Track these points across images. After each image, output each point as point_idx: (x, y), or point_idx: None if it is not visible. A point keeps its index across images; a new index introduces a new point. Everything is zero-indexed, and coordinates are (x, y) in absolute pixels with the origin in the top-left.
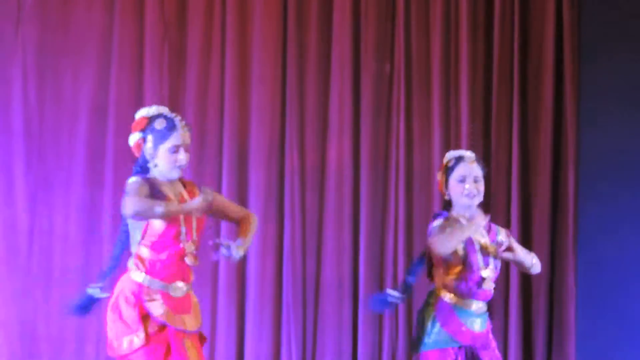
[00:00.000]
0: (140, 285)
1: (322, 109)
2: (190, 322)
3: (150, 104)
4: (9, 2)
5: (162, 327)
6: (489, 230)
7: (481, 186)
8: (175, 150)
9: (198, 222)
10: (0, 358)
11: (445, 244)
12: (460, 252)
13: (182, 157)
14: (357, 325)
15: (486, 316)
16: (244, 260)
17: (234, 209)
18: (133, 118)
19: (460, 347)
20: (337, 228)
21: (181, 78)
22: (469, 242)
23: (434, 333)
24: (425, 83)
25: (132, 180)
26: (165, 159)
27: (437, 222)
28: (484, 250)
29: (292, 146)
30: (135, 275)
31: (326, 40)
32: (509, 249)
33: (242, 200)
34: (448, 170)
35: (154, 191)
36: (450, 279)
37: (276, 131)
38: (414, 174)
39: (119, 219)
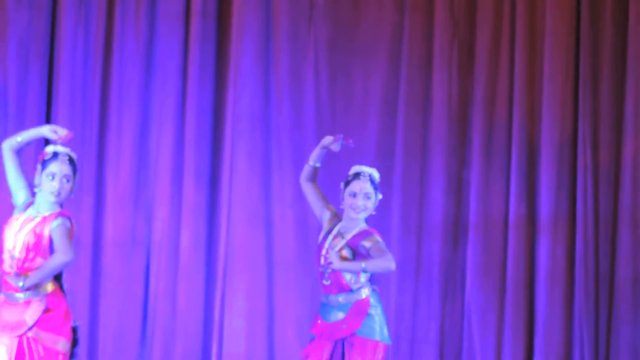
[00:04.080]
0: None
1: (617, 105)
2: None
3: (439, 102)
4: (302, 1)
5: None
6: (358, 235)
7: (370, 203)
8: (52, 177)
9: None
10: (293, 352)
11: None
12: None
13: (56, 183)
14: None
15: (337, 309)
16: (533, 258)
17: (55, 243)
18: (423, 115)
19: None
20: (634, 226)
21: (470, 76)
22: (324, 239)
23: None
24: None
25: None
26: (45, 185)
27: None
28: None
29: (585, 143)
30: None
31: (622, 35)
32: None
33: (532, 197)
34: (346, 183)
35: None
36: None
37: (568, 128)
38: None
39: (408, 217)
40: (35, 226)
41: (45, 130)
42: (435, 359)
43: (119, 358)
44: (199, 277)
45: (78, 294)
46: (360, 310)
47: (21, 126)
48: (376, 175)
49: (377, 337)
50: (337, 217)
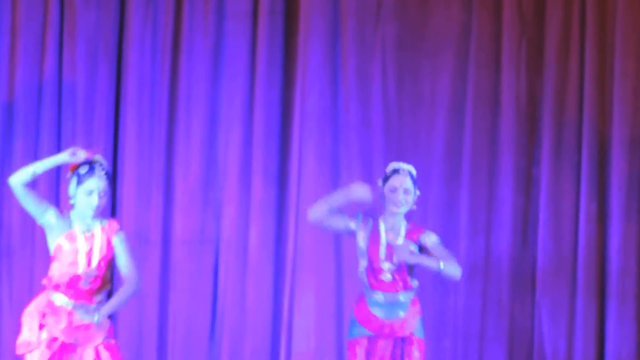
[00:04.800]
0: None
1: None
2: None
3: (508, 100)
4: (370, 1)
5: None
6: (412, 230)
7: (410, 197)
8: (90, 193)
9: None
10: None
11: (317, 208)
12: (362, 246)
13: (95, 200)
14: None
15: (397, 307)
16: (603, 257)
17: (123, 264)
18: (491, 114)
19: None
20: None
21: (539, 74)
22: (372, 237)
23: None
24: None
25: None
26: (81, 200)
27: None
28: (389, 245)
29: None
30: None
31: None
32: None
33: (603, 195)
34: (385, 180)
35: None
36: (360, 271)
37: (639, 124)
38: None
39: (476, 216)
40: (103, 240)
41: (65, 157)
42: (505, 359)
43: (188, 355)
44: (268, 276)
45: (147, 292)
46: (416, 309)
47: (90, 125)
48: (414, 171)
49: (423, 336)
50: (367, 218)
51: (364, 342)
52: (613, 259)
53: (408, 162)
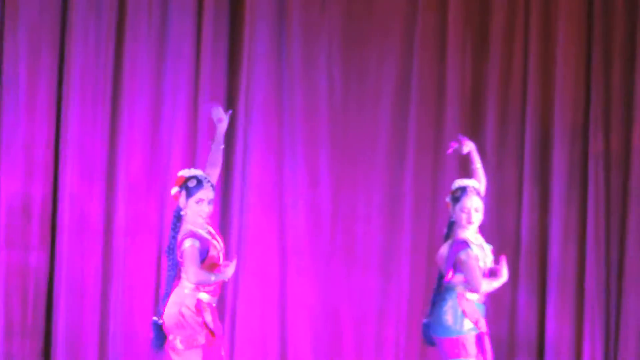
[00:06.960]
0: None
1: (628, 90)
2: None
3: (452, 91)
4: None
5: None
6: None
7: (480, 214)
8: (200, 202)
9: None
10: (305, 337)
11: (483, 288)
12: (483, 265)
13: (205, 208)
14: None
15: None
16: (545, 245)
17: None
18: (434, 103)
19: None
20: None
21: (484, 62)
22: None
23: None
24: None
25: (188, 244)
26: (193, 209)
27: (465, 255)
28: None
29: (597, 128)
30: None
31: (633, 19)
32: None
33: (545, 183)
34: (454, 199)
35: (202, 242)
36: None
37: (580, 113)
38: None
39: (419, 203)
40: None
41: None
42: None
43: (128, 349)
44: None
45: (89, 282)
46: None
47: (32, 114)
48: (477, 185)
49: None
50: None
51: (473, 339)
52: (554, 245)
53: (352, 147)
